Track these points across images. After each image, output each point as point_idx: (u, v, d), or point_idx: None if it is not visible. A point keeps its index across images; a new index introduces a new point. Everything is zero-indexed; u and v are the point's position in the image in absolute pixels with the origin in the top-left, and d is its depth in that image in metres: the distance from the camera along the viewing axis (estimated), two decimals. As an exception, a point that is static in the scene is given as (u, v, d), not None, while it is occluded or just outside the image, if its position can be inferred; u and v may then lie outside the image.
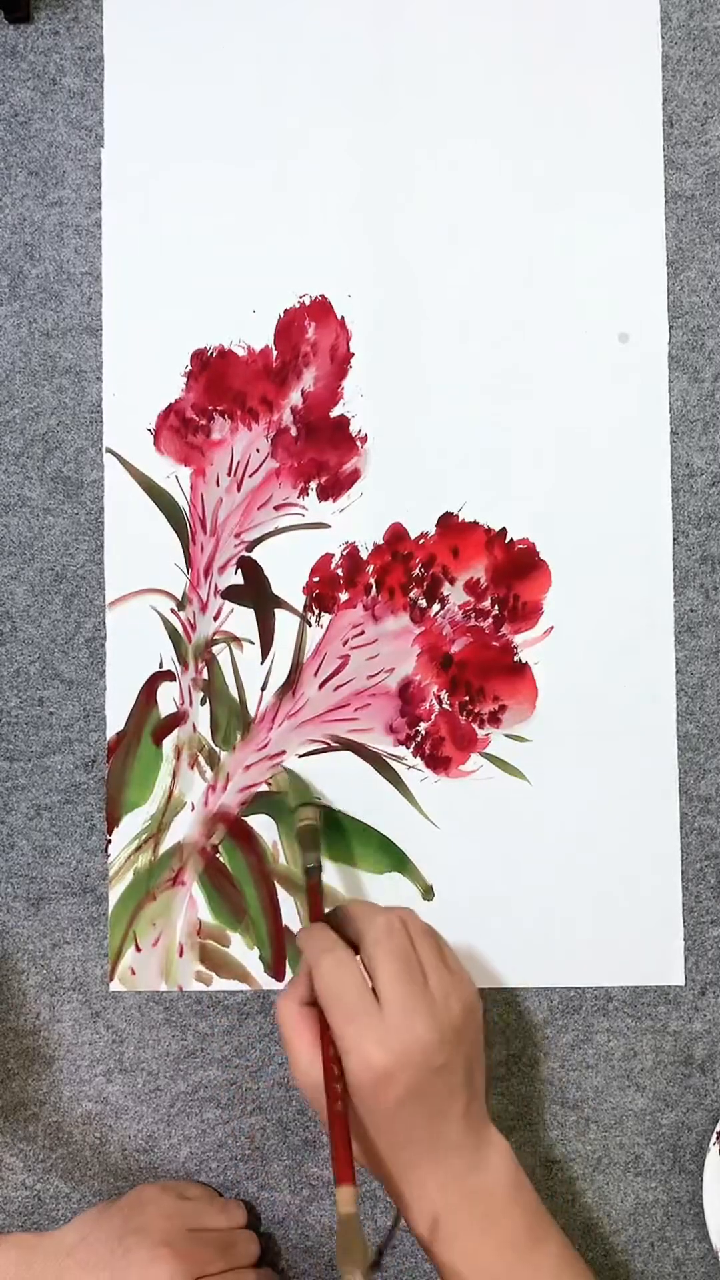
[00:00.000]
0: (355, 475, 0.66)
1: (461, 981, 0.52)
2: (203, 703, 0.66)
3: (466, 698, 0.66)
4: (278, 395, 0.66)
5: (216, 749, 0.66)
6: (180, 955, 0.65)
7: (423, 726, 0.66)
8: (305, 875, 0.61)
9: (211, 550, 0.66)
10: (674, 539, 0.66)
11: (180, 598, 0.66)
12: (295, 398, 0.66)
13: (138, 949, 0.66)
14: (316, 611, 0.66)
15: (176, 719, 0.66)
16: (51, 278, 0.67)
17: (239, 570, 0.66)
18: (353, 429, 0.66)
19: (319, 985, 0.49)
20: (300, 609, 0.66)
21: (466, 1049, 0.51)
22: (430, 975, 0.50)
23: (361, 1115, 0.49)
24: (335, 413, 0.66)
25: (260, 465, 0.66)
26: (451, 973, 0.51)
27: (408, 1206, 0.50)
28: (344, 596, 0.66)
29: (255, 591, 0.66)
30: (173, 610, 0.66)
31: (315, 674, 0.66)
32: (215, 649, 0.66)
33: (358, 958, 0.51)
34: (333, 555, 0.66)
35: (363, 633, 0.66)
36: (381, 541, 0.66)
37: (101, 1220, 0.60)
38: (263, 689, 0.66)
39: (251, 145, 0.67)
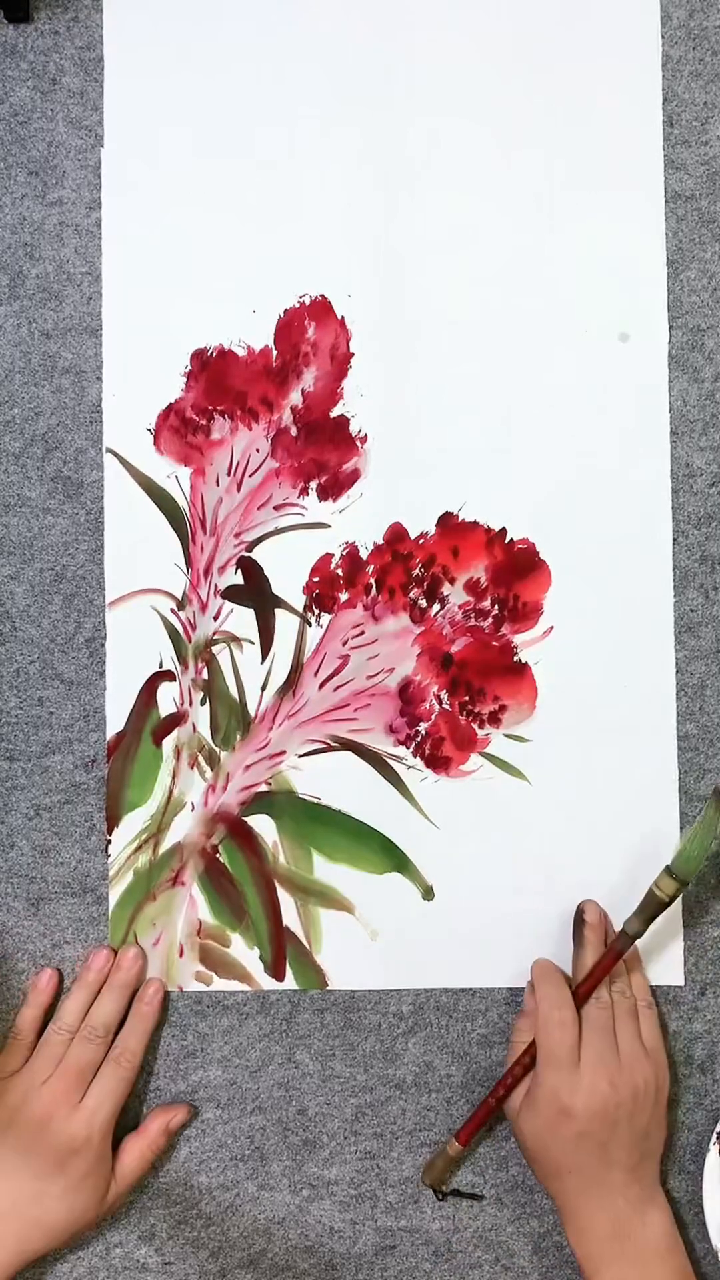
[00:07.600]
0: (355, 475, 0.66)
1: (650, 1059, 0.62)
2: (203, 703, 0.66)
3: (466, 698, 0.65)
4: (278, 395, 0.66)
5: (216, 749, 0.66)
6: (180, 955, 0.65)
7: (423, 726, 0.66)
8: (626, 937, 0.61)
9: (211, 550, 0.66)
10: (674, 539, 0.66)
11: (180, 598, 0.66)
12: (295, 398, 0.66)
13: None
14: (316, 611, 0.66)
15: (176, 719, 0.66)
16: (51, 278, 0.67)
17: (239, 570, 0.66)
18: (353, 429, 0.66)
19: (542, 1034, 0.61)
20: (300, 609, 0.66)
21: (644, 1114, 0.61)
22: (623, 1047, 0.61)
23: (546, 1140, 0.60)
24: (335, 413, 0.66)
25: (260, 465, 0.66)
26: (647, 1051, 0.62)
27: (570, 1224, 0.60)
28: (344, 596, 0.66)
29: (255, 591, 0.66)
30: (173, 610, 0.66)
31: (315, 674, 0.66)
32: (215, 649, 0.66)
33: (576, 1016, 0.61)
34: (333, 555, 0.66)
35: (363, 633, 0.66)
36: (381, 541, 0.66)
37: None
38: (263, 689, 0.66)
39: (251, 145, 0.67)
